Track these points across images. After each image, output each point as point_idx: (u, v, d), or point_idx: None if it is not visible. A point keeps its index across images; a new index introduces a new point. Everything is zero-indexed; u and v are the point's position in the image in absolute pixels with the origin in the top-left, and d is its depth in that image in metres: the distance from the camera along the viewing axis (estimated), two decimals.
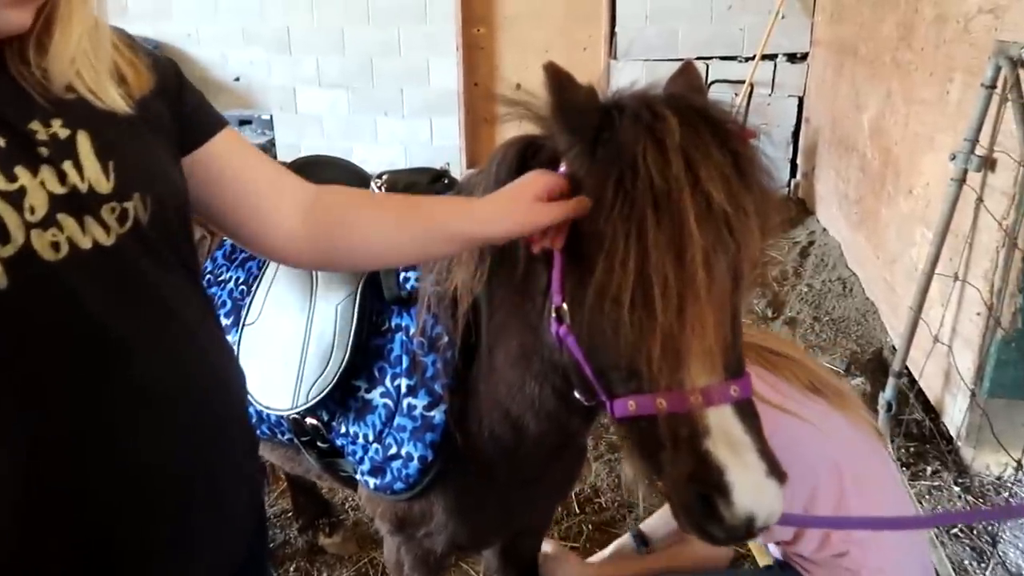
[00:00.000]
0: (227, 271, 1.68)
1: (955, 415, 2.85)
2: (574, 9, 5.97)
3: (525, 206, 1.00)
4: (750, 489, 0.87)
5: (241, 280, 1.64)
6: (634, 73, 5.79)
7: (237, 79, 6.61)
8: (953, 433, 2.88)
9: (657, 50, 5.77)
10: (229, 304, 1.62)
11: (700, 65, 5.65)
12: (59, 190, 0.81)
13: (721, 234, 0.90)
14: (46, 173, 0.81)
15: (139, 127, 0.91)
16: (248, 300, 1.59)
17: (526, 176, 1.04)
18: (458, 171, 6.31)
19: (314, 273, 1.51)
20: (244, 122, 6.63)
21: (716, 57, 5.73)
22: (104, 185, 0.84)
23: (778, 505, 0.89)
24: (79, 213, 0.82)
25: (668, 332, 0.89)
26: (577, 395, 1.11)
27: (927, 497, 2.72)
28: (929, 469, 2.84)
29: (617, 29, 5.85)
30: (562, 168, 1.04)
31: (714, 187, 0.89)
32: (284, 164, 1.79)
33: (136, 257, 0.87)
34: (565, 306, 1.02)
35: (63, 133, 0.84)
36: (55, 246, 0.80)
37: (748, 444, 0.89)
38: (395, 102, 6.37)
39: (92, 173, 0.84)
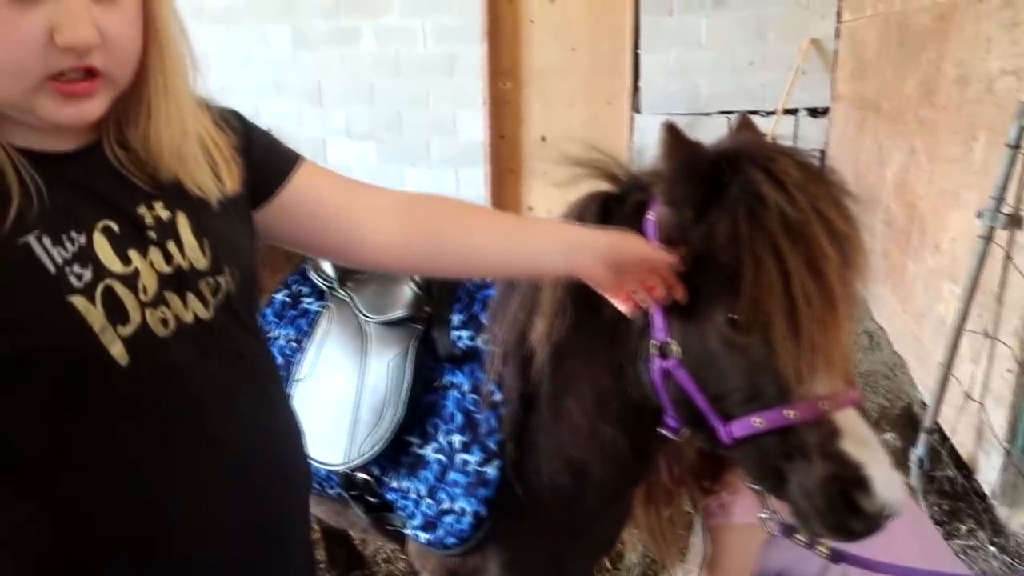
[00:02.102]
0: (276, 328, 1.73)
1: (989, 473, 2.83)
2: (599, 64, 6.11)
3: (630, 235, 1.10)
4: (885, 479, 0.97)
5: (292, 337, 1.70)
6: (657, 127, 5.88)
7: (269, 130, 6.78)
8: (987, 491, 2.86)
9: (680, 104, 5.88)
10: (280, 360, 1.67)
11: (722, 119, 5.76)
12: (166, 269, 0.88)
13: (845, 253, 1.02)
14: (154, 254, 0.87)
15: (225, 205, 0.97)
16: (299, 356, 1.64)
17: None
18: None
19: (366, 330, 1.56)
20: None
21: (738, 111, 5.82)
22: (202, 262, 0.91)
23: (902, 494, 0.99)
24: (182, 290, 0.88)
25: (810, 346, 0.98)
26: (663, 431, 1.19)
27: (963, 557, 2.68)
28: (963, 528, 2.81)
29: (640, 83, 5.98)
30: (649, 217, 1.14)
31: (833, 214, 1.02)
32: None
33: (226, 324, 0.94)
34: (672, 342, 1.09)
35: (165, 215, 0.90)
36: (164, 322, 0.86)
37: (874, 440, 0.99)
38: (422, 153, 6.51)
39: (192, 251, 0.90)
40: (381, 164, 6.60)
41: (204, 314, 0.90)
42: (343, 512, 1.66)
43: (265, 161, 1.05)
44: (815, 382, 0.99)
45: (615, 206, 1.21)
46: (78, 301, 0.80)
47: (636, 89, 6.00)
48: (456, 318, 1.44)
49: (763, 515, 1.14)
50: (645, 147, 5.99)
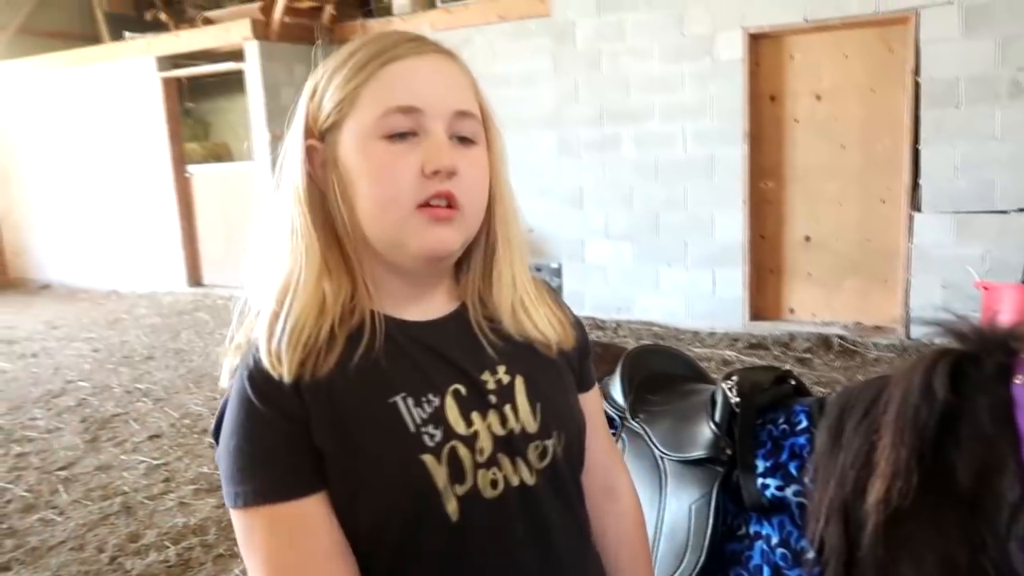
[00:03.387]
0: None
1: None
2: (872, 160, 5.79)
3: None
4: None
5: None
6: (940, 227, 5.41)
7: (531, 230, 7.23)
8: None
9: (969, 202, 5.35)
10: None
11: (1022, 218, 5.14)
12: (500, 432, 0.94)
13: None
14: (492, 417, 0.94)
15: (559, 370, 1.04)
16: None
17: None
18: (740, 322, 6.22)
19: (662, 466, 1.57)
20: (535, 270, 7.21)
21: None
22: (532, 425, 0.96)
23: None
24: (512, 453, 0.94)
25: None
26: None
27: None
28: None
29: (921, 180, 5.54)
30: (1017, 381, 1.05)
31: None
32: (624, 349, 1.91)
33: (546, 489, 0.97)
34: None
35: (506, 379, 0.97)
36: (494, 484, 0.92)
37: None
38: (678, 253, 6.53)
39: (525, 415, 0.96)
40: (636, 263, 6.72)
41: (529, 479, 0.95)
42: None
43: (582, 371, 1.12)
44: None
45: (970, 367, 1.13)
46: (429, 460, 0.89)
47: (916, 186, 5.58)
48: (761, 464, 1.40)
49: None
50: (926, 247, 5.51)
